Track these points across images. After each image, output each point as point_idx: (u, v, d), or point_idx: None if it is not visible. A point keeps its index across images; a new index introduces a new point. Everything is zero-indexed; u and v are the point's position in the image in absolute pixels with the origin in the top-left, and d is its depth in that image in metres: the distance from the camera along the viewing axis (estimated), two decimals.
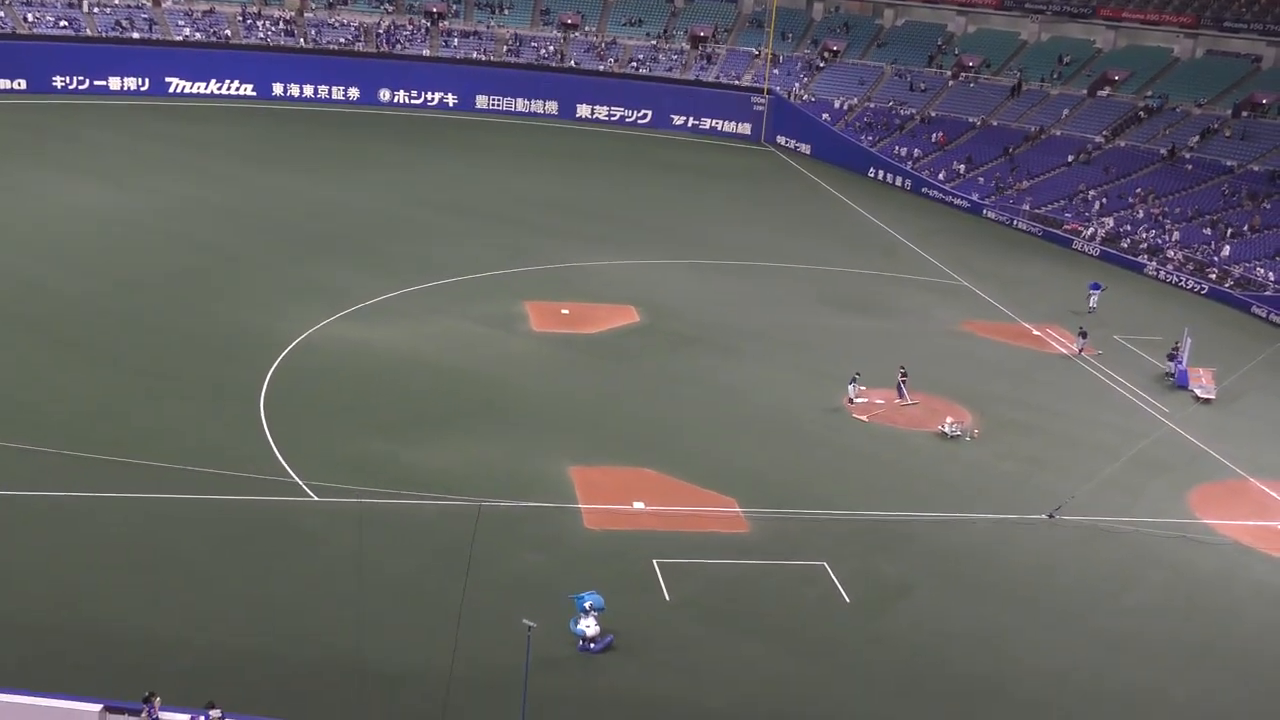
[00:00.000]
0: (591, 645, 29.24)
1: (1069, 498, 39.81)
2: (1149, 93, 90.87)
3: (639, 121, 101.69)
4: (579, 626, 29.29)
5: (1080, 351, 54.48)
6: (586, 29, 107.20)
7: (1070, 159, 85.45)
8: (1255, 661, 32.07)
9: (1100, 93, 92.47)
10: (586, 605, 29.35)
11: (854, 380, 46.66)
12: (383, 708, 26.91)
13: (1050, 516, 38.68)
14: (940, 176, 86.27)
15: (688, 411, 44.45)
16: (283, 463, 37.36)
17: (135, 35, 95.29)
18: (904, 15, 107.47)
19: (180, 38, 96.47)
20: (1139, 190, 79.15)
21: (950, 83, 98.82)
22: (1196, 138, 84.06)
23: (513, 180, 78.80)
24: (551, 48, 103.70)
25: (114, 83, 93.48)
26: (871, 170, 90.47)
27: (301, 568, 32.01)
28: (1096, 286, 62.93)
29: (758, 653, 30.10)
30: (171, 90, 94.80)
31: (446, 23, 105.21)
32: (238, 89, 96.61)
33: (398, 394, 43.58)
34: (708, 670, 29.25)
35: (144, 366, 44.05)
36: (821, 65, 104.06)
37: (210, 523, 33.75)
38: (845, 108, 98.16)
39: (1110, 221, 75.84)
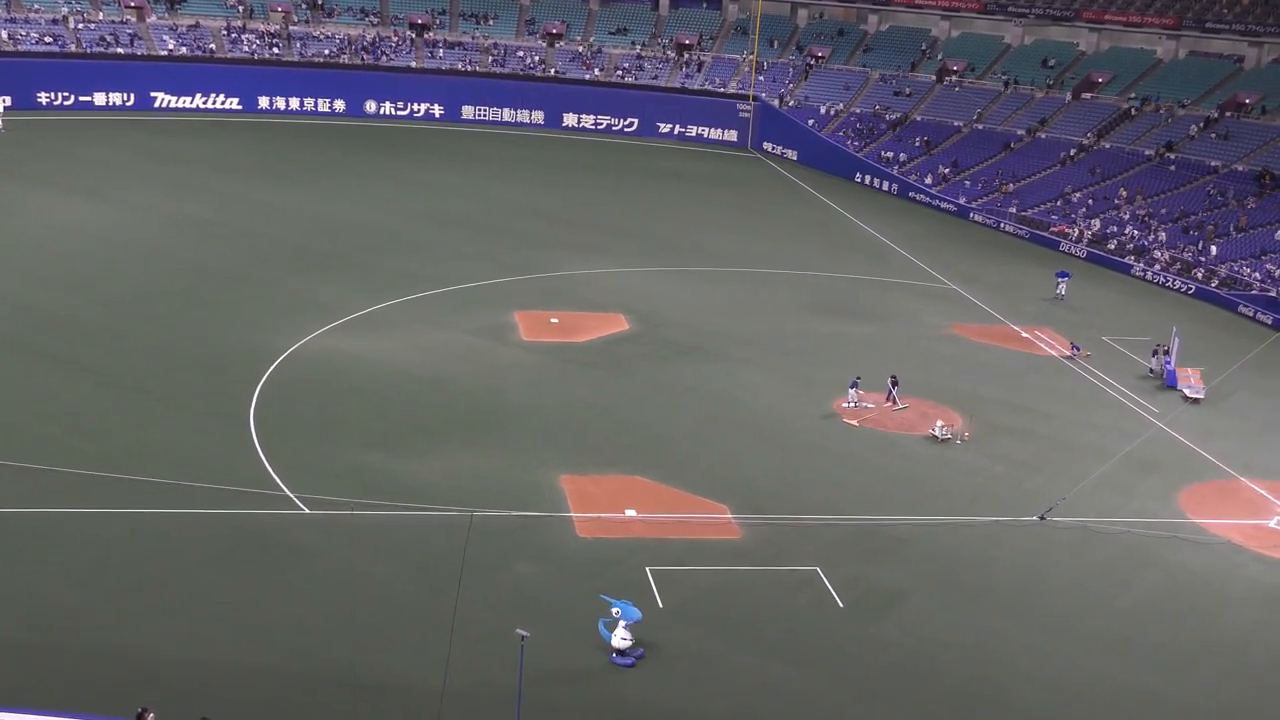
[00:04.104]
0: (618, 658, 29.15)
1: (1060, 499, 39.89)
2: (1133, 94, 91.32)
3: (625, 130, 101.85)
4: (610, 636, 29.22)
5: (1075, 355, 54.57)
6: (572, 38, 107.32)
7: (1063, 156, 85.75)
8: (1250, 661, 32.10)
9: (1084, 95, 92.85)
10: (614, 613, 29.27)
11: (855, 385, 46.74)
12: None
13: (1041, 519, 38.74)
14: (927, 180, 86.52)
15: (678, 419, 44.44)
16: (273, 476, 37.25)
17: (120, 50, 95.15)
18: (888, 20, 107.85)
19: (165, 52, 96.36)
20: (1123, 191, 79.47)
21: (936, 87, 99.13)
22: (1193, 129, 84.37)
23: (500, 190, 78.83)
24: (537, 57, 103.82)
25: (99, 98, 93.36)
26: (858, 175, 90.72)
27: (293, 581, 31.88)
28: (1064, 275, 64.99)
29: (751, 659, 30.07)
30: (157, 105, 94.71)
31: (431, 34, 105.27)
32: (223, 103, 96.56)
33: (388, 405, 43.49)
34: (701, 677, 29.19)
35: (133, 382, 43.90)
36: (812, 64, 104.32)
37: (201, 537, 33.60)
38: (831, 113, 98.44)
39: (1097, 223, 76.13)
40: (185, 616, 29.85)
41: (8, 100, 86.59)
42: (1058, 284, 64.49)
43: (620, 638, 29.19)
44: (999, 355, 54.62)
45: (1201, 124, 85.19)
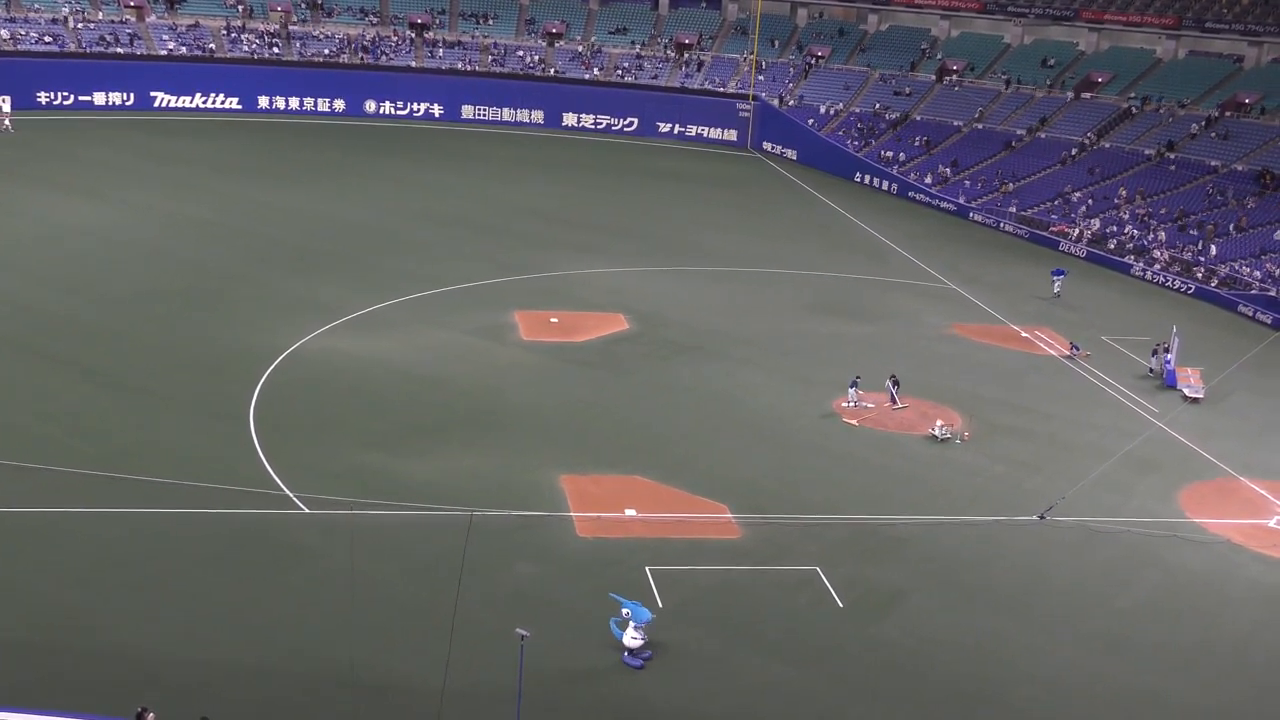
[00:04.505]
0: (626, 656, 29.21)
1: (1060, 499, 39.89)
2: (1132, 94, 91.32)
3: (625, 129, 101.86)
4: (622, 635, 29.29)
5: (1075, 355, 54.57)
6: (572, 38, 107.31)
7: (1064, 155, 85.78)
8: (1250, 660, 32.11)
9: (1084, 95, 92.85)
10: (624, 613, 29.37)
11: (854, 384, 46.75)
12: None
13: (1041, 518, 38.74)
14: (927, 180, 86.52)
15: (678, 418, 44.44)
16: (273, 475, 37.26)
17: (119, 50, 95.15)
18: (888, 20, 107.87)
19: (165, 52, 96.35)
20: (1122, 191, 79.48)
21: (935, 87, 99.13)
22: (1195, 128, 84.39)
23: (500, 190, 78.83)
24: (537, 57, 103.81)
25: (99, 98, 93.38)
26: (858, 175, 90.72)
27: (293, 580, 31.88)
28: (1060, 273, 65.40)
29: (750, 659, 30.07)
30: (156, 104, 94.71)
31: (431, 33, 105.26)
32: (223, 102, 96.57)
33: (388, 405, 43.49)
34: (700, 677, 29.19)
35: (133, 382, 43.89)
36: (812, 63, 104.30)
37: (201, 537, 33.60)
38: (831, 113, 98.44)
39: (1096, 223, 76.13)
40: (185, 616, 29.85)
41: (8, 100, 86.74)
42: (1054, 281, 64.70)
43: (631, 637, 29.23)
44: (999, 355, 54.63)
45: (1202, 124, 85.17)
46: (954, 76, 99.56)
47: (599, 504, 37.17)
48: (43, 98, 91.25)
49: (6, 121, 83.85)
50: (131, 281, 54.75)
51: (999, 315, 60.21)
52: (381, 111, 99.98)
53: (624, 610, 29.44)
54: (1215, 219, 74.38)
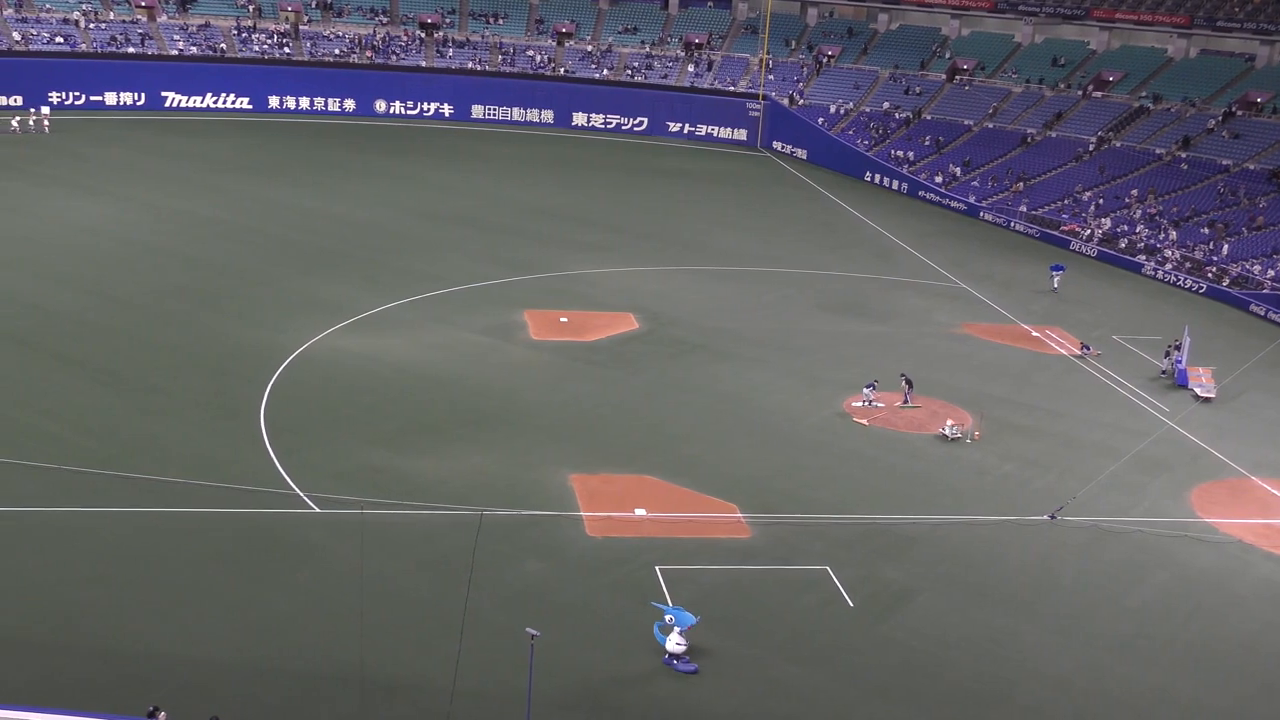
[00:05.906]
0: (675, 662, 29.23)
1: (1070, 499, 39.79)
2: (1144, 93, 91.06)
3: (635, 129, 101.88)
4: (665, 640, 29.32)
5: (1085, 354, 54.42)
6: (582, 38, 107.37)
7: (1079, 153, 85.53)
8: (1260, 660, 31.99)
9: (1095, 94, 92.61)
10: (667, 619, 29.43)
11: (871, 386, 46.70)
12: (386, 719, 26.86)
13: (1052, 518, 38.65)
14: (937, 179, 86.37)
15: (688, 418, 44.42)
16: (283, 474, 37.32)
17: (131, 50, 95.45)
18: (898, 19, 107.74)
19: (175, 52, 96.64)
20: (1134, 191, 79.26)
21: (946, 86, 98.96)
22: (1211, 124, 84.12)
23: (509, 190, 78.90)
24: (547, 57, 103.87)
25: (110, 98, 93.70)
26: (868, 174, 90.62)
27: (303, 579, 31.93)
28: (1058, 268, 65.81)
29: (761, 658, 30.04)
30: (167, 104, 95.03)
31: (441, 33, 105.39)
32: (233, 102, 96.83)
33: (398, 404, 43.54)
34: (711, 676, 29.18)
35: (143, 382, 44.01)
36: (822, 63, 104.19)
37: (211, 535, 33.68)
38: (841, 112, 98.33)
39: (1107, 222, 75.93)
40: (195, 615, 29.92)
41: (19, 99, 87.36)
42: (1053, 277, 64.80)
43: (675, 642, 29.25)
44: (1009, 354, 54.52)
45: (1218, 118, 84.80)
46: (965, 75, 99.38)
47: (609, 503, 37.17)
48: (54, 98, 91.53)
49: (46, 123, 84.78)
50: (141, 280, 54.90)
51: (1009, 314, 60.10)
52: (391, 111, 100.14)
53: (667, 616, 29.47)
54: (1227, 218, 74.14)
